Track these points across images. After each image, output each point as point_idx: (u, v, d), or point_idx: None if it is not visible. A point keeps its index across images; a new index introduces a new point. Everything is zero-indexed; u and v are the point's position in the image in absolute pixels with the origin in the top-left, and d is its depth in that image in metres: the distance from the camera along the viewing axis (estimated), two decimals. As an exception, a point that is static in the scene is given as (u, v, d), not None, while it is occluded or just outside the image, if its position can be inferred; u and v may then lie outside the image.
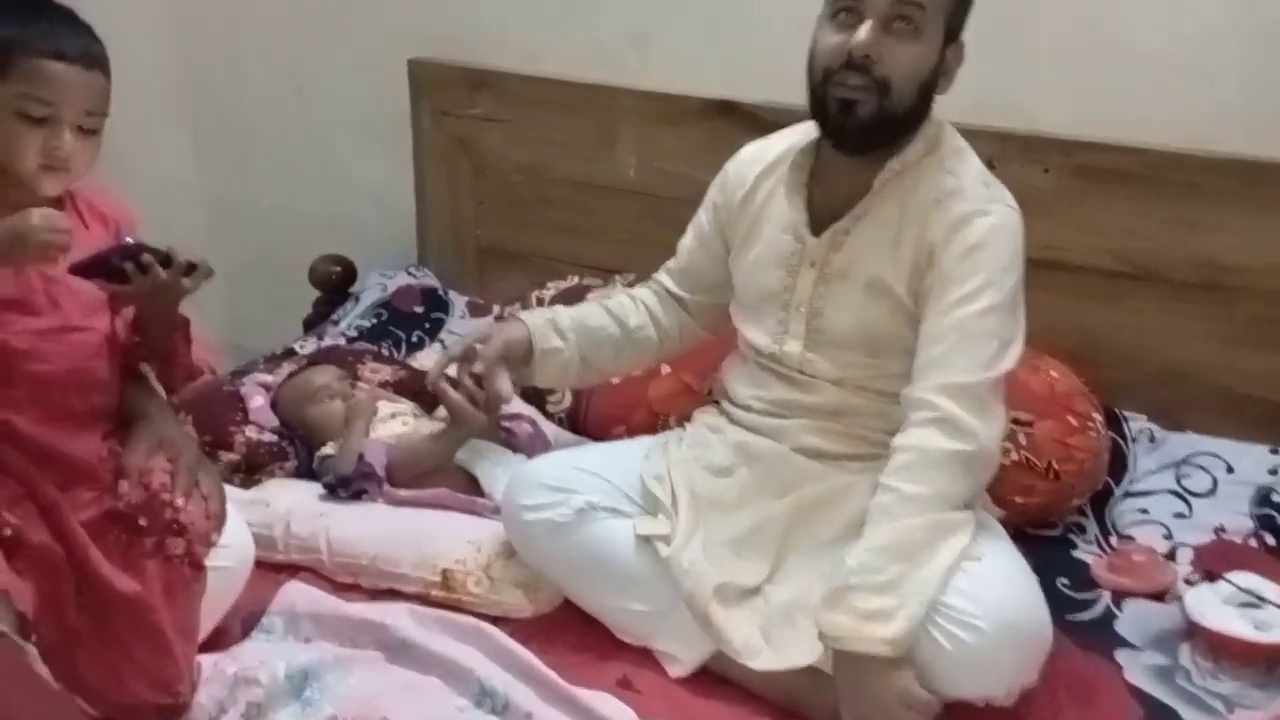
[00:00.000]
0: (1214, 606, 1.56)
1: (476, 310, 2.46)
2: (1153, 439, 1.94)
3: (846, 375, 1.57)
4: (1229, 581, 1.59)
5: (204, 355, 1.59)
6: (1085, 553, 1.79)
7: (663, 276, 1.80)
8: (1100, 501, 1.86)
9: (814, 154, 1.59)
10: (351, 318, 2.41)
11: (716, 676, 1.54)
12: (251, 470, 1.90)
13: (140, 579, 1.40)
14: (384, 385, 2.07)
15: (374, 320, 2.39)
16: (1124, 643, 1.60)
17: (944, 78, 1.52)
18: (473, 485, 1.85)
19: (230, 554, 1.53)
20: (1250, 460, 1.88)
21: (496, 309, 2.37)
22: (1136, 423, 1.95)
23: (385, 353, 2.28)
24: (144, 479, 1.45)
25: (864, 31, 1.44)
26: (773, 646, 1.50)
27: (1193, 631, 1.57)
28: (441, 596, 1.65)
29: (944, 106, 1.57)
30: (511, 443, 1.91)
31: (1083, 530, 1.83)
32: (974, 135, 1.61)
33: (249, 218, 2.79)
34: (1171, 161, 1.92)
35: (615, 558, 1.59)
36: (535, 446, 1.91)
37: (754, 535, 1.58)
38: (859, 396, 1.57)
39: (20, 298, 1.41)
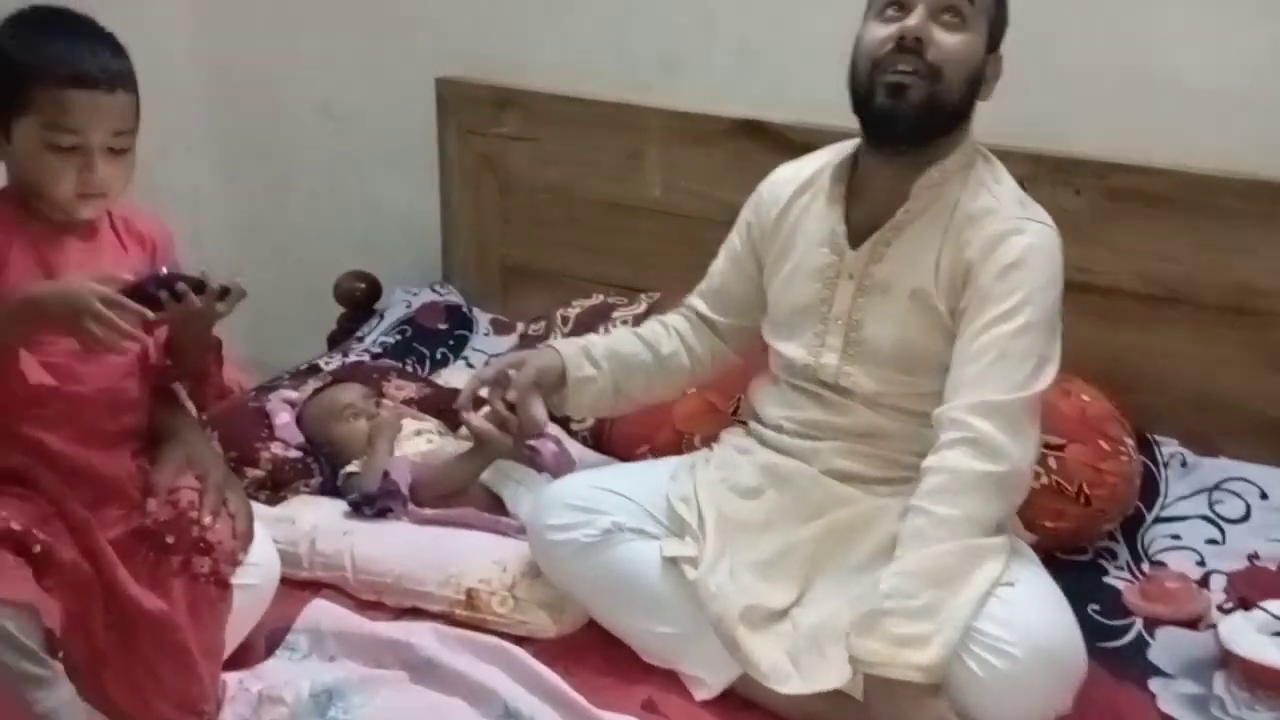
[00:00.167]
0: (1249, 635, 1.54)
1: (500, 328, 2.46)
2: (1184, 464, 1.91)
3: (881, 391, 1.56)
4: (1264, 609, 1.57)
5: (235, 375, 1.58)
6: (1116, 579, 1.76)
7: (694, 300, 1.79)
8: (1131, 527, 1.84)
9: (852, 167, 1.60)
10: (376, 334, 2.42)
11: (742, 700, 1.53)
12: (277, 487, 1.90)
13: (166, 598, 1.40)
14: (409, 402, 2.07)
15: (398, 337, 2.39)
16: (1157, 671, 1.58)
17: (985, 84, 1.53)
18: (497, 505, 1.84)
19: (257, 572, 1.53)
20: (1284, 486, 1.86)
21: (520, 327, 2.37)
22: (1168, 447, 1.94)
23: (409, 369, 2.28)
24: (172, 497, 1.46)
25: (915, 16, 1.46)
26: (800, 671, 1.48)
27: (1227, 660, 1.55)
28: (466, 616, 1.64)
29: (976, 127, 1.57)
30: (536, 462, 1.91)
31: (1114, 556, 1.81)
32: (1005, 156, 1.61)
33: (275, 233, 2.80)
34: (1204, 185, 1.91)
35: (641, 579, 1.58)
36: (560, 466, 1.90)
37: (781, 558, 1.56)
38: (891, 418, 1.56)
39: None
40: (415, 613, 1.67)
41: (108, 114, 1.38)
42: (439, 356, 2.38)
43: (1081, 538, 1.80)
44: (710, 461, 1.69)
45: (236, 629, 1.51)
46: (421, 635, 1.57)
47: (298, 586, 1.68)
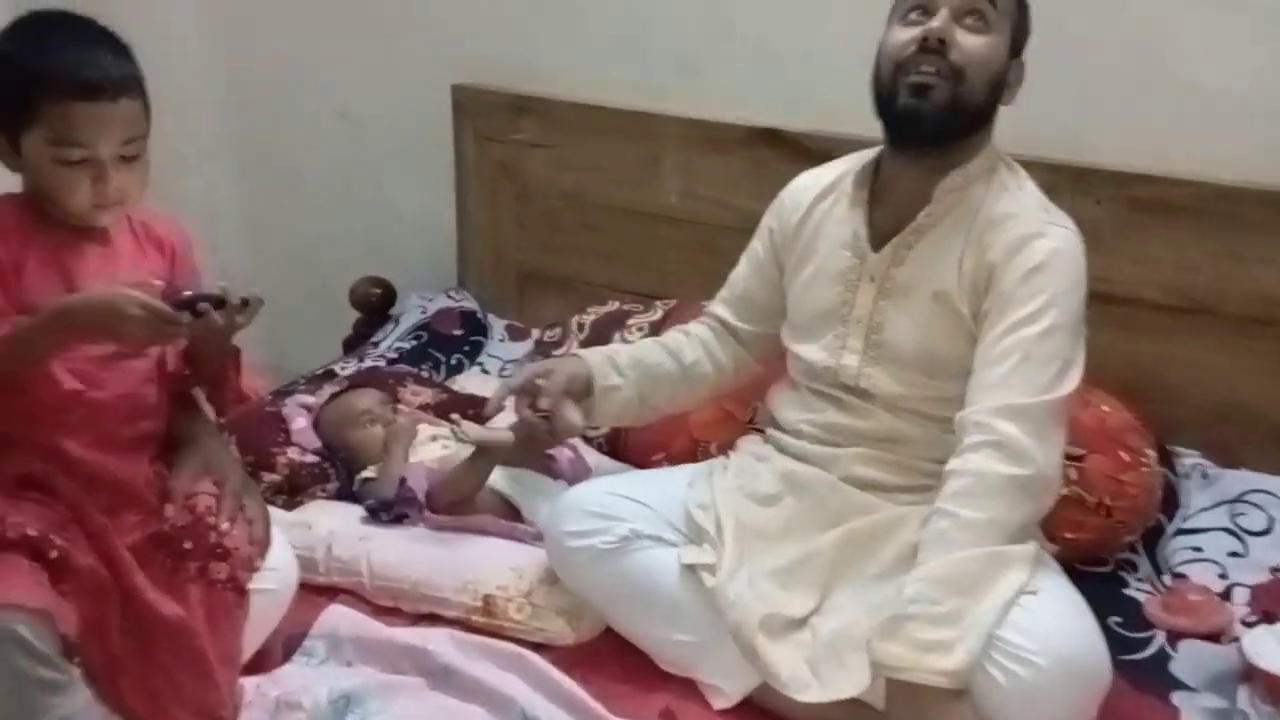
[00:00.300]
0: (1273, 648, 1.53)
1: (515, 334, 2.46)
2: (1205, 476, 1.90)
3: (903, 394, 1.55)
4: (1288, 623, 1.56)
5: (253, 381, 1.58)
6: (1137, 591, 1.75)
7: (717, 307, 1.79)
8: (1152, 538, 1.83)
9: (875, 171, 1.60)
10: (391, 340, 2.41)
11: (759, 709, 1.52)
12: (294, 492, 1.90)
13: (184, 604, 1.40)
14: (425, 408, 2.07)
15: (413, 342, 2.39)
16: (1180, 684, 1.57)
17: (1007, 89, 1.53)
18: (513, 512, 1.84)
19: (275, 577, 1.52)
20: (1307, 499, 1.84)
21: (536, 333, 2.36)
22: (1189, 459, 1.93)
23: (425, 375, 2.28)
24: (190, 503, 1.46)
25: (939, 19, 1.47)
26: (820, 679, 1.47)
27: (1251, 674, 1.53)
28: (483, 622, 1.64)
29: (996, 136, 1.56)
30: (553, 469, 1.90)
31: (1134, 568, 1.80)
32: (1026, 166, 1.60)
33: (291, 238, 2.80)
34: (1225, 195, 1.90)
35: (659, 587, 1.57)
36: (577, 473, 1.90)
37: (800, 566, 1.56)
38: (912, 422, 1.56)
39: None
40: (432, 619, 1.66)
41: (115, 124, 1.35)
42: (454, 362, 2.38)
43: (1102, 549, 1.78)
44: (728, 469, 1.69)
45: (254, 634, 1.51)
46: (439, 641, 1.57)
47: (314, 592, 1.68)
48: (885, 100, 1.52)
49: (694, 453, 1.92)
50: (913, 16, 1.50)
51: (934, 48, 1.47)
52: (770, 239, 1.71)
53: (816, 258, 1.63)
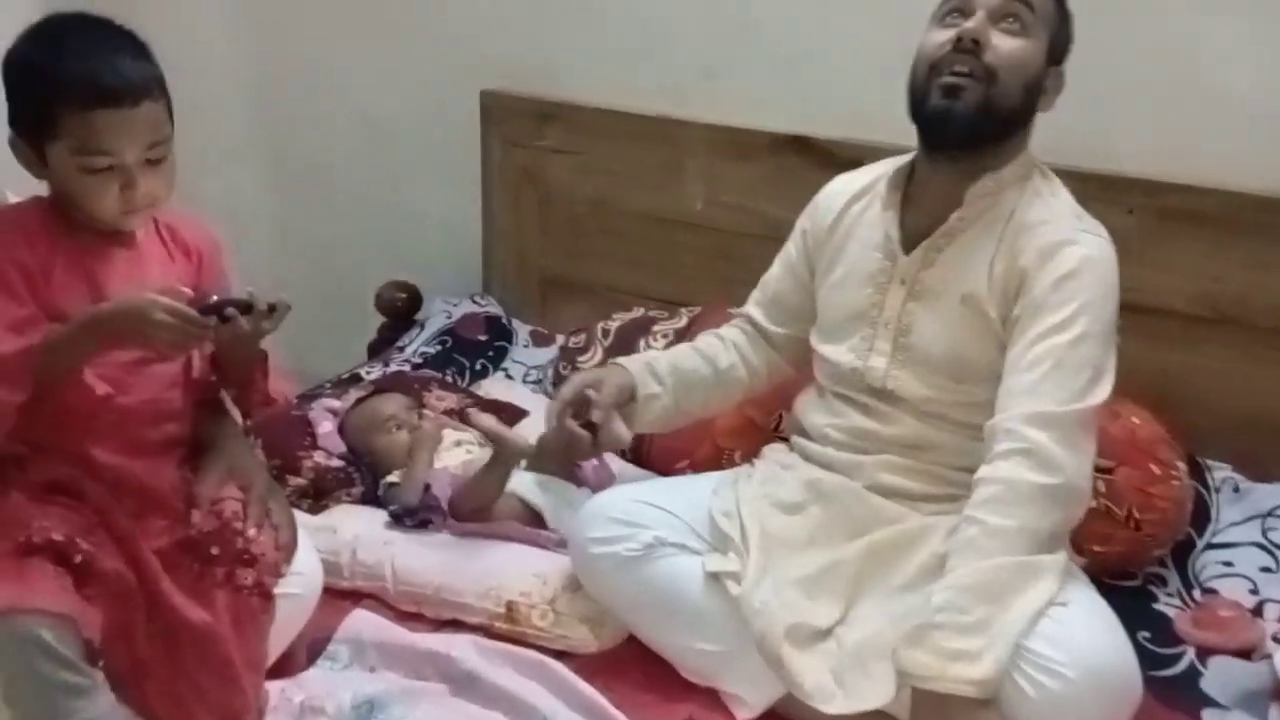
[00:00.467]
0: (1305, 666, 1.51)
1: (540, 340, 2.46)
2: (1237, 489, 1.88)
3: (930, 397, 1.54)
4: (1321, 640, 1.54)
5: (281, 386, 1.58)
6: (1167, 605, 1.74)
7: (750, 309, 1.79)
8: (1182, 552, 1.81)
9: (909, 175, 1.60)
10: (416, 344, 2.42)
11: (783, 719, 1.51)
12: (319, 496, 1.90)
13: (210, 609, 1.40)
14: (449, 413, 2.07)
15: (438, 347, 2.39)
16: (1210, 702, 1.55)
17: (1045, 96, 1.52)
18: (536, 519, 1.83)
19: (300, 581, 1.53)
20: (1339, 514, 1.82)
21: (560, 339, 2.36)
22: (1220, 472, 1.90)
23: (450, 380, 2.28)
24: (216, 508, 1.46)
25: (974, 20, 1.47)
26: (844, 689, 1.46)
27: (1283, 691, 1.52)
28: (505, 629, 1.64)
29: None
30: (577, 476, 1.90)
31: (1164, 582, 1.78)
32: (1055, 174, 1.59)
33: (317, 242, 2.81)
34: (1255, 204, 1.88)
35: (684, 595, 1.56)
36: (600, 481, 1.90)
37: (825, 576, 1.55)
38: (939, 428, 1.55)
39: None
40: (455, 624, 1.67)
41: (138, 129, 1.34)
42: (479, 367, 2.38)
43: (1131, 563, 1.77)
44: (753, 476, 1.68)
45: (279, 638, 1.51)
46: (462, 648, 1.57)
47: (338, 596, 1.69)
48: (918, 101, 1.52)
49: (718, 460, 1.92)
50: (950, 19, 1.51)
51: (968, 48, 1.47)
52: (803, 241, 1.71)
53: (848, 259, 1.63)
